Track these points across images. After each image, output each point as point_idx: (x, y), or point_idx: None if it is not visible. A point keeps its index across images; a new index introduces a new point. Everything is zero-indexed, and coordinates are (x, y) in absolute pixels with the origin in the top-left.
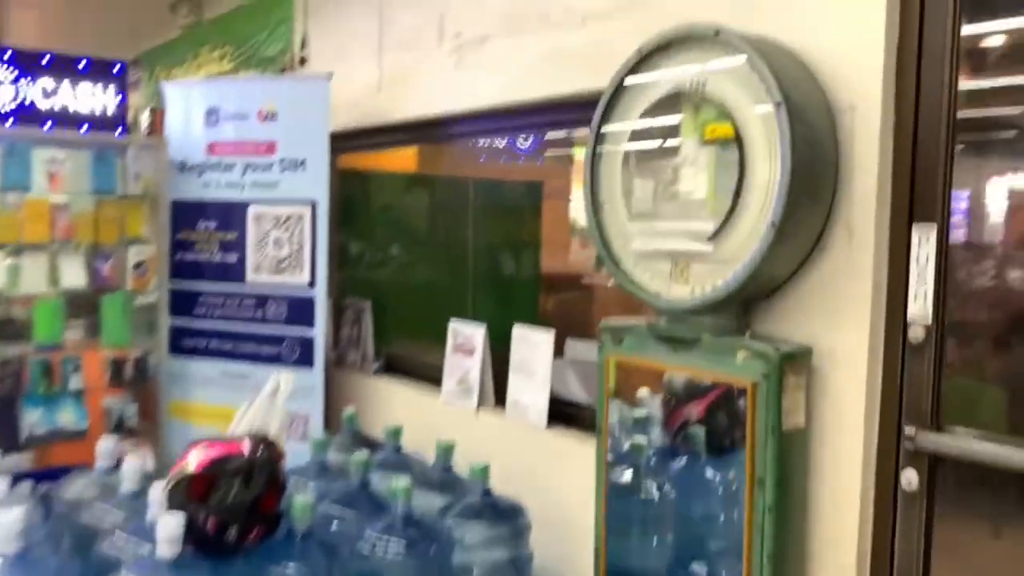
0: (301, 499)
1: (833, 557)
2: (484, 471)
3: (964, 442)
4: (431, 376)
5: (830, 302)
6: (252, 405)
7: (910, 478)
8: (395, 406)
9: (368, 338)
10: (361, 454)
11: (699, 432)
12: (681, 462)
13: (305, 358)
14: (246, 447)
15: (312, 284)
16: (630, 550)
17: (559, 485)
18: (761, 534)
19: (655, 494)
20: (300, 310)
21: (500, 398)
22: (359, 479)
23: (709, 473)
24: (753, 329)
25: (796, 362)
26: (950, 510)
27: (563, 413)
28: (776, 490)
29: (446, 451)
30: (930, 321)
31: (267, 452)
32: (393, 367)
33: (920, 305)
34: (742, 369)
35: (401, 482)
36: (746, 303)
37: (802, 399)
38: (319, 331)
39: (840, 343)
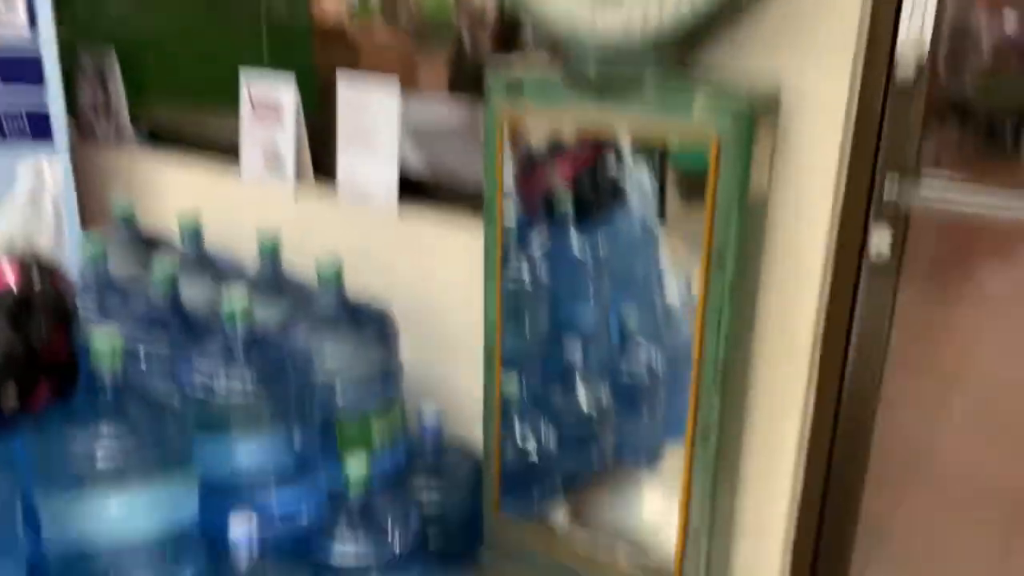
0: (103, 337)
1: (790, 339)
2: (337, 273)
3: (949, 193)
4: (221, 149)
5: (805, 33)
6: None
7: (880, 242)
8: (173, 191)
9: (120, 100)
10: (165, 262)
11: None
12: (590, 236)
13: (40, 132)
14: (10, 274)
15: (34, 25)
16: (530, 348)
17: (420, 281)
18: (718, 315)
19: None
20: (20, 68)
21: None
22: (167, 296)
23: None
24: (706, 70)
25: (766, 110)
26: (919, 283)
27: (409, 191)
28: (736, 265)
29: (272, 249)
30: (924, 53)
31: (45, 278)
32: (162, 139)
33: (914, 36)
34: (700, 121)
35: (237, 295)
36: (696, 36)
37: (768, 156)
38: (54, 94)
39: (814, 84)
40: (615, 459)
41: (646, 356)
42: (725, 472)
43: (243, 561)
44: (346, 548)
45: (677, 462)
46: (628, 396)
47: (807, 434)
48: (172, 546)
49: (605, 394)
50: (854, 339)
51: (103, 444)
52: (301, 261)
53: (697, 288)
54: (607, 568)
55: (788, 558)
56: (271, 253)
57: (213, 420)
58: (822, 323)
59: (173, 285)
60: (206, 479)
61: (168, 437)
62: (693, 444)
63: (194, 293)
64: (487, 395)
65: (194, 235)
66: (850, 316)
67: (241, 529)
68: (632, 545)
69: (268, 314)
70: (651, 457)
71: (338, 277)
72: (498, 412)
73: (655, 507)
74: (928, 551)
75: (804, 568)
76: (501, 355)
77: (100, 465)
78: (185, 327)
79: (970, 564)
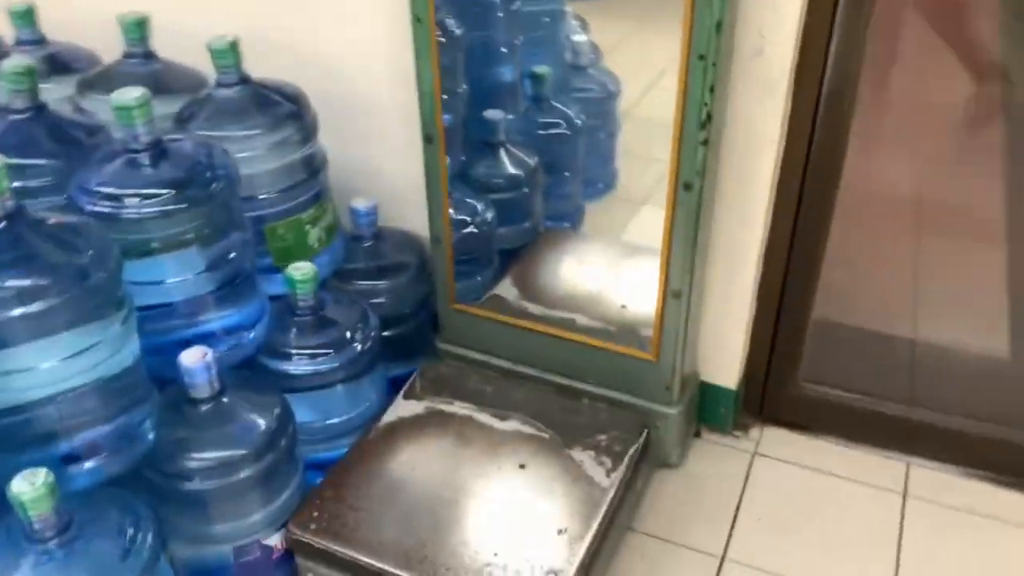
0: None
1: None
2: (232, 48)
3: None
4: None
5: None
6: None
7: None
8: None
9: None
10: (16, 60)
11: None
12: None
13: None
14: None
15: None
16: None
17: (336, 54)
18: (704, 64)
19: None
20: None
21: None
22: (28, 102)
23: None
24: None
25: None
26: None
27: None
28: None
29: (139, 25)
30: None
31: None
32: None
33: None
34: None
35: (133, 95)
36: None
37: None
38: None
39: None
40: (546, 225)
41: (562, 115)
42: (704, 220)
43: (203, 396)
44: (304, 356)
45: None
46: (550, 157)
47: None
48: (116, 389)
49: (529, 157)
50: (829, 71)
51: (14, 291)
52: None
53: (681, 35)
54: (571, 329)
55: (757, 285)
56: (135, 30)
57: (133, 244)
58: (797, 57)
59: (32, 82)
60: (140, 311)
61: (87, 271)
62: (675, 198)
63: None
64: (431, 176)
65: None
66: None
67: (196, 366)
68: (587, 307)
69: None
70: (575, 219)
71: (233, 52)
72: (445, 193)
73: (606, 268)
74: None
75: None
76: (443, 131)
77: (17, 315)
78: (61, 141)
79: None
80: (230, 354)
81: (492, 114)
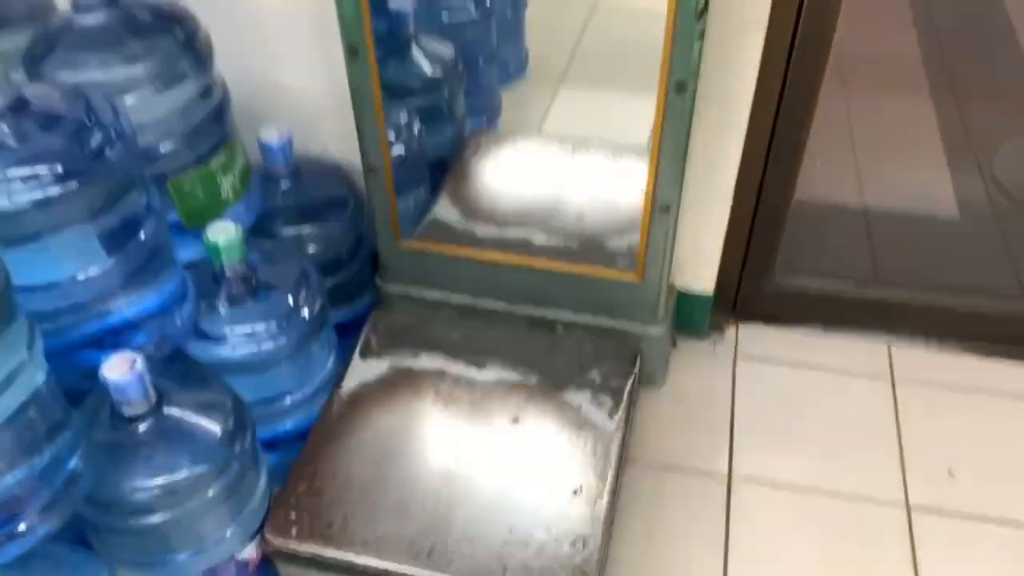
0: None
1: None
2: None
3: None
4: None
5: None
6: None
7: None
8: None
9: None
10: None
11: None
12: None
13: None
14: None
15: None
16: None
17: None
18: None
19: None
20: None
21: None
22: None
23: None
24: None
25: None
26: None
27: None
28: None
29: None
30: None
31: None
32: None
33: None
34: None
35: None
36: None
37: None
38: None
39: None
40: (470, 128)
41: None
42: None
43: (140, 412)
44: (243, 336)
45: None
46: (461, 46)
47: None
48: (26, 422)
49: (444, 49)
50: None
51: None
52: None
53: None
54: (531, 252)
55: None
56: None
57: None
58: None
59: None
60: (33, 311)
61: None
62: (666, 101)
63: None
64: (360, 97)
65: None
66: None
67: (126, 379)
68: (542, 221)
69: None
70: (495, 114)
71: None
72: (381, 117)
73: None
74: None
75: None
76: (372, 40)
77: None
78: None
79: None
80: (158, 348)
81: (399, 3)
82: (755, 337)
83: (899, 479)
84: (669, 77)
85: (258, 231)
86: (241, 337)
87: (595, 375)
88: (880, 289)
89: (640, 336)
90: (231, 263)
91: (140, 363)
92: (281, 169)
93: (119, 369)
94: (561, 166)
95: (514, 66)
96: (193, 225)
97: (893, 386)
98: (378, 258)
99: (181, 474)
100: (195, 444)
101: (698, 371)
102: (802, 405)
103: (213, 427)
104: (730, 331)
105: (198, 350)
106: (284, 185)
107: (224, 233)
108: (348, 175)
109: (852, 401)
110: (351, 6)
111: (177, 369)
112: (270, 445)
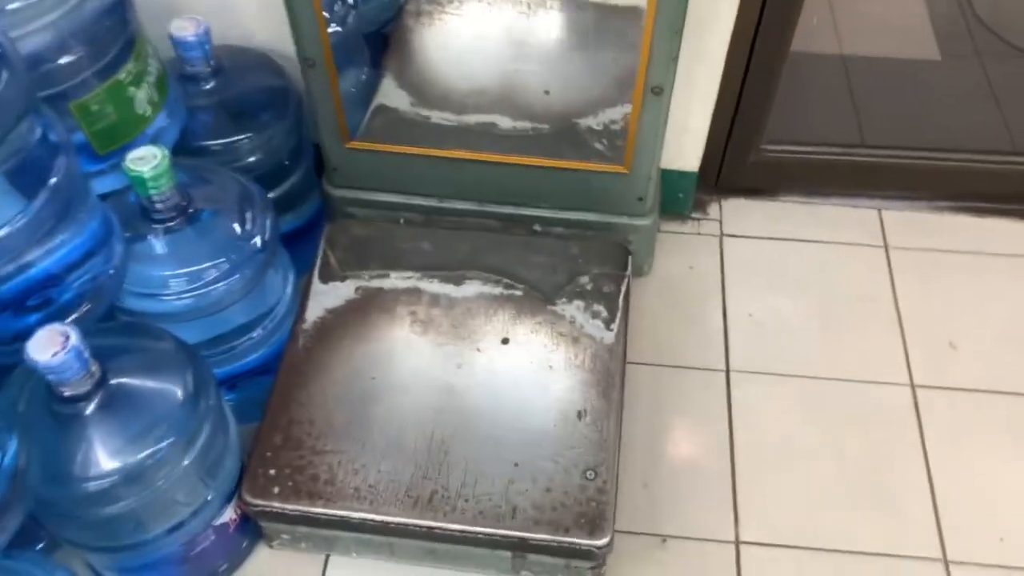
0: None
1: None
2: None
3: None
4: None
5: None
6: None
7: None
8: None
9: None
10: None
11: None
12: None
13: None
14: None
15: None
16: None
17: None
18: None
19: None
20: None
21: None
22: None
23: None
24: None
25: None
26: None
27: None
28: None
29: None
30: None
31: None
32: None
33: None
34: None
35: None
36: None
37: None
38: None
39: None
40: None
41: None
42: None
43: (83, 390)
44: (187, 279)
45: None
46: None
47: None
48: None
49: None
50: None
51: None
52: None
53: None
54: (498, 144)
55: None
56: None
57: None
58: None
59: None
60: None
61: None
62: None
63: None
64: None
65: None
66: None
67: (61, 359)
68: (504, 102)
69: None
70: None
71: None
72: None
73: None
74: None
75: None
76: None
77: None
78: None
79: None
80: (91, 306)
81: None
82: (740, 213)
83: (902, 358)
84: None
85: (183, 146)
86: (185, 280)
87: (585, 281)
88: (867, 152)
89: (627, 228)
90: (161, 194)
91: (74, 336)
92: (202, 68)
93: (50, 347)
94: (518, 31)
95: None
96: (107, 150)
97: (887, 254)
98: (323, 159)
99: (146, 451)
100: (156, 413)
101: (685, 255)
102: (796, 285)
103: (173, 389)
104: (713, 208)
105: (136, 302)
106: (208, 86)
107: (148, 160)
108: (275, 64)
109: (846, 274)
110: None
111: (116, 328)
112: (228, 385)
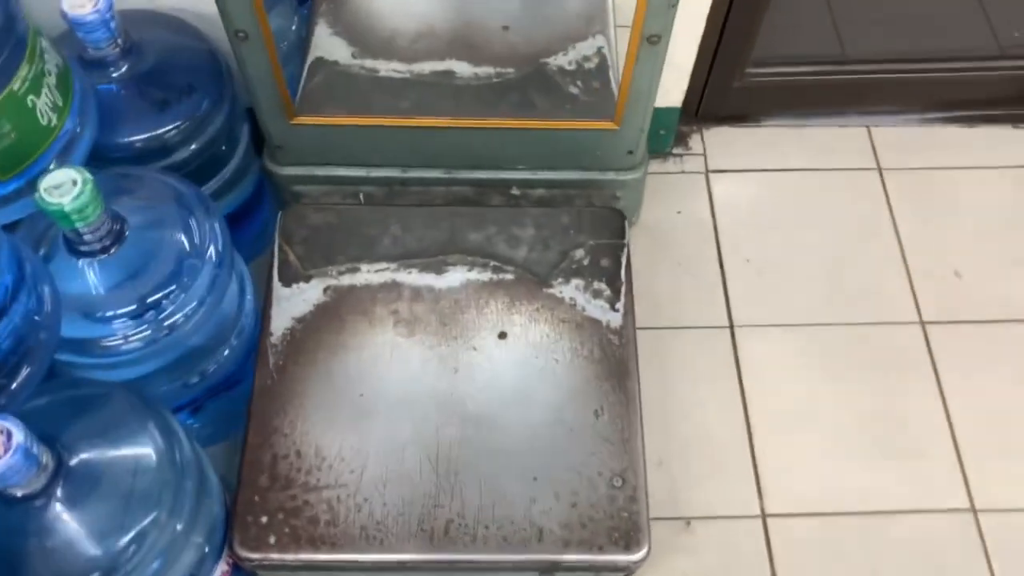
0: None
1: None
2: None
3: None
4: None
5: None
6: None
7: None
8: None
9: None
10: None
11: None
12: None
13: None
14: None
15: None
16: None
17: None
18: None
19: None
20: None
21: None
22: None
23: None
24: None
25: None
26: None
27: None
28: None
29: None
30: None
31: None
32: None
33: None
34: None
35: None
36: None
37: None
38: None
39: None
40: None
41: None
42: None
43: (37, 487)
44: (131, 320)
45: None
46: None
47: None
48: None
49: None
50: None
51: None
52: None
53: None
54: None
55: None
56: None
57: None
58: None
59: None
60: None
61: None
62: None
63: None
64: None
65: None
66: None
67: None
68: (460, 43)
69: None
70: None
71: None
72: None
73: None
74: None
75: None
76: None
77: None
78: None
79: None
80: (29, 369)
81: None
82: (724, 143)
83: (908, 294)
84: None
85: (99, 148)
86: (131, 321)
87: (581, 255)
88: (852, 69)
89: (615, 184)
90: (90, 225)
91: (17, 432)
92: (109, 50)
93: None
94: None
95: None
96: (10, 175)
97: (881, 177)
98: (263, 135)
99: (128, 535)
100: (130, 487)
101: (671, 198)
102: (790, 222)
103: (141, 451)
104: (695, 141)
105: (75, 354)
106: (119, 71)
107: (66, 189)
108: (193, 30)
109: (841, 204)
110: None
111: (60, 396)
112: (191, 409)
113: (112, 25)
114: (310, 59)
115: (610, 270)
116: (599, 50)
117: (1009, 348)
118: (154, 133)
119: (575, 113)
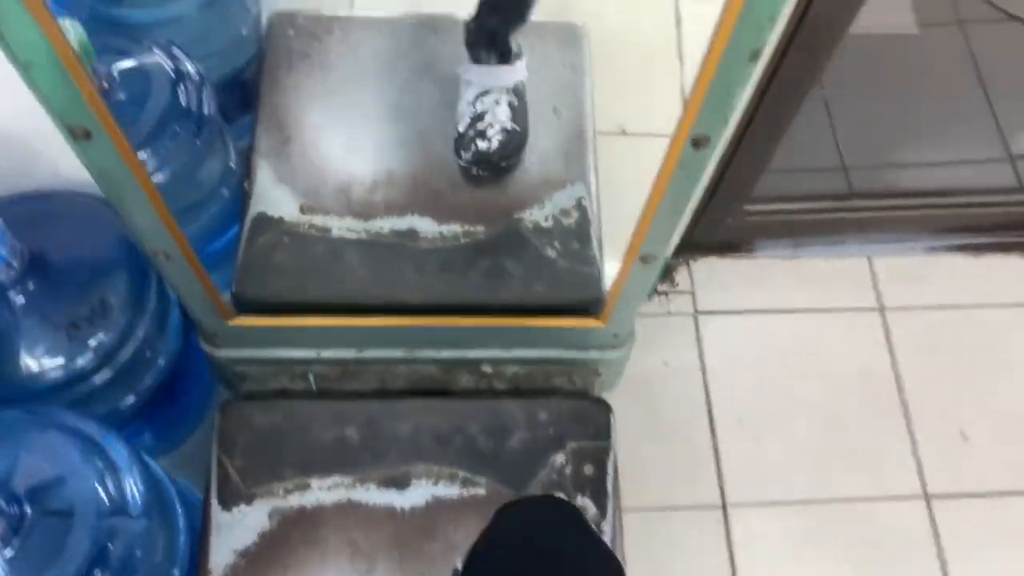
0: None
1: None
2: None
3: None
4: None
5: None
6: None
7: None
8: None
9: None
10: None
11: None
12: None
13: None
14: None
15: None
16: None
17: None
18: None
19: None
20: None
21: None
22: None
23: None
24: None
25: None
26: None
27: None
28: None
29: None
30: None
31: None
32: None
33: None
34: None
35: None
36: None
37: None
38: None
39: None
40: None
41: None
42: None
43: None
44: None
45: None
46: None
47: None
48: None
49: None
50: None
51: None
52: None
53: None
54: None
55: None
56: None
57: None
58: None
59: None
60: None
61: None
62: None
63: None
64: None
65: None
66: None
67: None
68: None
69: None
70: None
71: None
72: (147, 187)
73: None
74: None
75: None
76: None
77: None
78: None
79: None
80: None
81: None
82: (714, 278)
83: (912, 460)
84: (688, 132)
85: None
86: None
87: (562, 462)
88: (856, 202)
89: (597, 362)
90: None
91: None
92: (5, 276)
93: None
94: (429, 74)
95: None
96: None
97: (884, 319)
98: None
99: None
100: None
101: (657, 345)
102: (785, 373)
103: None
104: (683, 275)
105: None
106: (21, 298)
107: None
108: (111, 213)
109: (841, 353)
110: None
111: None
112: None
113: (3, 251)
114: (252, 214)
115: (595, 481)
116: (579, 202)
117: (1019, 526)
118: (63, 364)
119: (554, 283)
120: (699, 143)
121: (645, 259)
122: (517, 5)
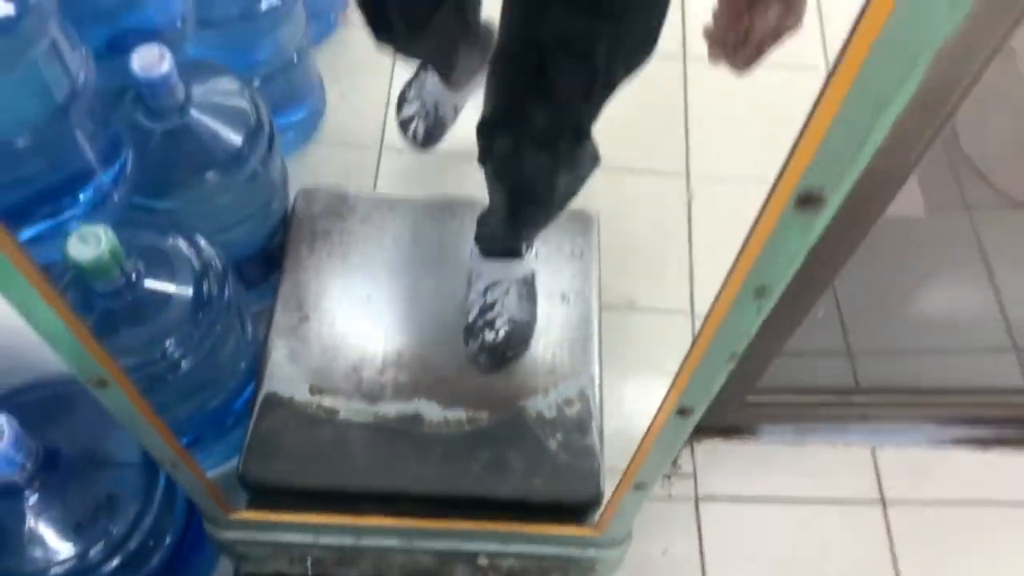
0: None
1: None
2: None
3: None
4: None
5: None
6: None
7: None
8: None
9: None
10: None
11: None
12: None
13: None
14: None
15: None
16: None
17: None
18: None
19: None
20: None
21: None
22: None
23: None
24: None
25: None
26: None
27: None
28: None
29: None
30: None
31: None
32: None
33: None
34: None
35: None
36: None
37: None
38: None
39: None
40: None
41: None
42: None
43: None
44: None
45: None
46: None
47: None
48: None
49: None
50: None
51: None
52: None
53: None
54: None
55: None
56: None
57: None
58: None
59: None
60: None
61: None
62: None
63: None
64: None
65: None
66: None
67: None
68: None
69: None
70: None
71: None
72: (149, 417)
73: None
74: None
75: None
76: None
77: None
78: None
79: None
80: None
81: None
82: (717, 462)
83: None
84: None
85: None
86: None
87: None
88: (862, 397)
89: (594, 560)
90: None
91: None
92: (17, 476)
93: None
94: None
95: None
96: None
97: (885, 514)
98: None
99: None
100: None
101: (656, 531)
102: (785, 567)
103: None
104: (685, 456)
105: None
106: (35, 497)
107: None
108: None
109: (840, 549)
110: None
111: None
112: None
113: (19, 457)
114: (263, 393)
115: None
116: (582, 392)
117: None
118: (73, 555)
119: (554, 479)
120: (684, 412)
121: (639, 486)
122: (533, 223)
